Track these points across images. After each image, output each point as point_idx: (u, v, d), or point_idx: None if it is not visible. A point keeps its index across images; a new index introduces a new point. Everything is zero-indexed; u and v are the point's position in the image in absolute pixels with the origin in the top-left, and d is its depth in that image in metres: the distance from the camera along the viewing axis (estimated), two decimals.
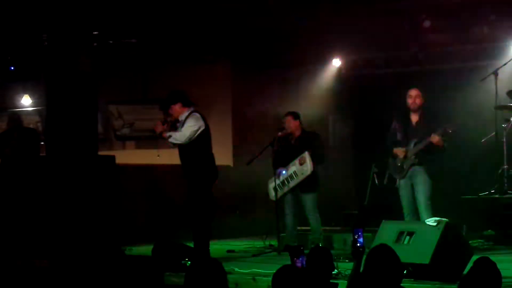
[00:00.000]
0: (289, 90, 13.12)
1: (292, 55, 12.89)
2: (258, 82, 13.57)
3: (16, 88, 14.73)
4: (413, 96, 9.77)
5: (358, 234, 6.25)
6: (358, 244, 6.18)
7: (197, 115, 9.66)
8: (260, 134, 12.08)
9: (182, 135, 9.54)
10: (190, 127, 9.52)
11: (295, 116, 10.68)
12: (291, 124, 10.62)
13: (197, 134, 9.53)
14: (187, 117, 9.60)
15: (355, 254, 6.13)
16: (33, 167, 10.22)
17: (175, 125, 9.76)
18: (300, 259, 6.23)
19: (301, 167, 10.41)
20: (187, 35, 12.10)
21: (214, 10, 11.46)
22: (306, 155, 10.36)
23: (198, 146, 9.58)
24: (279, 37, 12.30)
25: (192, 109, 9.68)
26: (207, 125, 9.73)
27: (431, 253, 7.33)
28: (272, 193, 10.66)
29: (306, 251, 5.84)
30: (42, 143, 11.30)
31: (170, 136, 9.62)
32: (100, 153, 10.51)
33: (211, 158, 9.77)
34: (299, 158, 10.42)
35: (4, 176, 10.79)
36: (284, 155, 10.60)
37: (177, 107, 9.70)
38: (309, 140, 10.58)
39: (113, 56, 13.57)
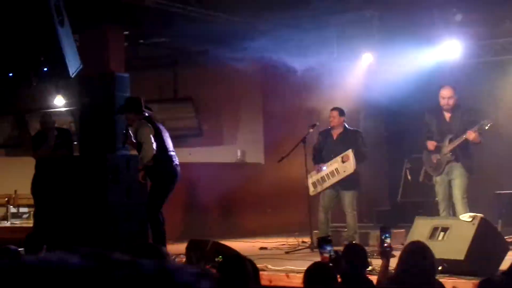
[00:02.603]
0: (320, 86, 13.08)
1: (323, 50, 12.86)
2: (288, 79, 13.55)
3: (49, 89, 14.83)
4: (446, 98, 9.66)
5: (385, 234, 6.24)
6: (386, 244, 6.17)
7: (143, 121, 9.94)
8: (291, 132, 12.06)
9: (146, 151, 9.79)
10: (144, 136, 9.79)
11: (341, 112, 10.62)
12: (336, 120, 10.57)
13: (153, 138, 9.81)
14: (137, 129, 9.86)
15: (383, 254, 6.12)
16: (67, 166, 10.31)
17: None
18: (328, 249, 6.23)
19: (344, 164, 10.34)
20: (215, 34, 12.12)
21: (243, 8, 11.47)
22: (350, 153, 10.29)
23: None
24: (308, 31, 12.28)
25: (141, 116, 9.90)
26: (156, 128, 9.92)
27: (466, 249, 7.29)
28: (311, 188, 10.62)
29: (340, 248, 5.82)
30: (75, 143, 11.40)
31: (146, 163, 9.84)
32: (132, 152, 10.57)
33: (169, 158, 9.97)
34: (342, 155, 10.35)
35: (39, 176, 10.90)
36: (325, 150, 10.57)
37: (131, 116, 9.92)
38: (351, 137, 10.54)
39: (143, 55, 13.64)
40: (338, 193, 10.48)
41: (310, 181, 10.62)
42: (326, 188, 10.50)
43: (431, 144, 9.74)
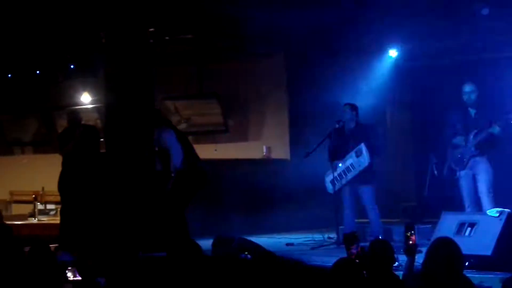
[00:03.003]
0: (345, 82, 13.06)
1: (348, 45, 12.84)
2: (313, 74, 13.54)
3: (76, 86, 14.93)
4: (468, 93, 9.70)
5: (410, 231, 6.23)
6: (411, 242, 6.16)
7: (163, 127, 10.10)
8: (317, 127, 12.04)
9: (175, 155, 9.99)
10: (169, 141, 10.04)
11: (353, 107, 10.63)
12: (348, 115, 10.58)
13: None
14: (159, 136, 9.99)
15: (408, 251, 6.10)
16: (94, 163, 10.37)
17: None
18: (355, 245, 6.22)
19: (358, 159, 10.34)
20: (240, 29, 12.12)
21: (268, 2, 11.46)
22: (363, 146, 10.30)
23: None
24: (333, 27, 12.25)
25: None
26: (177, 130, 10.12)
27: (493, 244, 7.26)
28: (330, 186, 10.62)
29: (365, 244, 5.81)
30: (102, 139, 11.45)
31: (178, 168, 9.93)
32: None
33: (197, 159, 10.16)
34: (355, 150, 10.37)
35: (66, 173, 10.98)
36: (339, 147, 10.56)
37: None
38: (364, 131, 10.52)
39: (169, 52, 13.67)
40: (357, 189, 10.47)
41: (328, 179, 10.62)
42: (345, 185, 10.48)
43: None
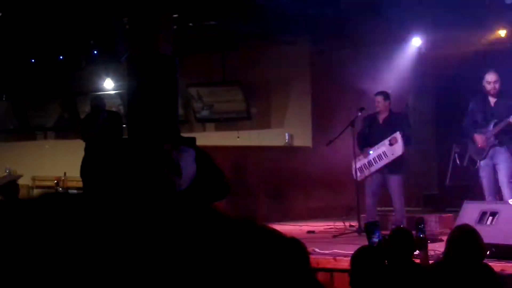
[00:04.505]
0: (368, 69, 13.02)
1: (371, 34, 12.79)
2: (336, 62, 13.51)
3: (99, 72, 14.98)
4: (492, 82, 9.63)
5: (420, 225, 6.24)
6: (422, 235, 6.17)
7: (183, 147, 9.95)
8: (339, 115, 12.03)
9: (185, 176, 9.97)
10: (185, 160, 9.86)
11: (386, 96, 10.57)
12: (381, 105, 10.53)
13: None
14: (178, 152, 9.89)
15: (420, 245, 6.11)
16: (117, 149, 10.42)
17: None
18: (376, 234, 6.23)
19: (392, 147, 10.29)
20: (264, 16, 12.11)
21: None
22: (398, 135, 10.24)
23: None
24: (357, 14, 12.20)
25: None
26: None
27: None
28: (358, 173, 10.57)
29: (387, 232, 5.81)
30: (124, 125, 11.50)
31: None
32: (181, 135, 10.63)
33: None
34: (390, 138, 10.30)
35: (89, 159, 11.04)
36: (371, 135, 10.53)
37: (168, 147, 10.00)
38: (397, 121, 10.49)
39: (192, 38, 13.69)
40: (385, 178, 10.43)
41: (357, 165, 10.58)
42: (374, 173, 10.46)
43: (479, 140, 9.68)
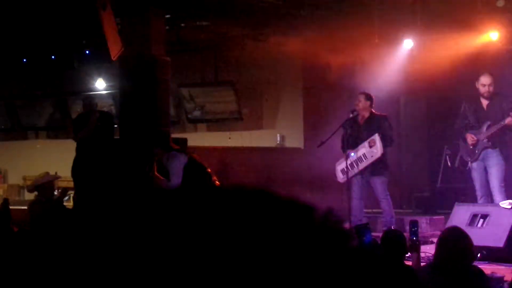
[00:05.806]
0: (360, 71, 13.03)
1: (363, 35, 12.79)
2: (329, 64, 13.50)
3: (91, 72, 14.96)
4: (487, 85, 9.63)
5: (414, 227, 6.26)
6: (414, 238, 6.18)
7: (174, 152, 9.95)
8: (331, 116, 12.03)
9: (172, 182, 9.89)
10: (173, 167, 9.81)
11: (367, 97, 10.59)
12: (361, 104, 10.54)
13: None
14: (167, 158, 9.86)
15: (413, 247, 6.12)
16: (108, 149, 10.40)
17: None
18: (367, 236, 6.24)
19: (371, 149, 10.33)
20: (255, 17, 12.11)
21: None
22: (376, 137, 10.28)
23: None
24: (350, 15, 12.21)
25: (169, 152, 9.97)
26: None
27: (505, 236, 7.25)
28: (340, 175, 10.61)
29: (377, 234, 5.81)
30: (116, 126, 11.47)
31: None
32: (173, 135, 10.62)
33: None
34: (369, 140, 10.34)
35: (80, 159, 11.00)
36: (353, 136, 10.54)
37: (158, 151, 9.95)
38: (377, 122, 10.50)
39: (184, 39, 13.67)
40: (368, 180, 10.46)
41: (339, 168, 10.61)
42: (356, 175, 10.47)
43: (470, 139, 9.70)
